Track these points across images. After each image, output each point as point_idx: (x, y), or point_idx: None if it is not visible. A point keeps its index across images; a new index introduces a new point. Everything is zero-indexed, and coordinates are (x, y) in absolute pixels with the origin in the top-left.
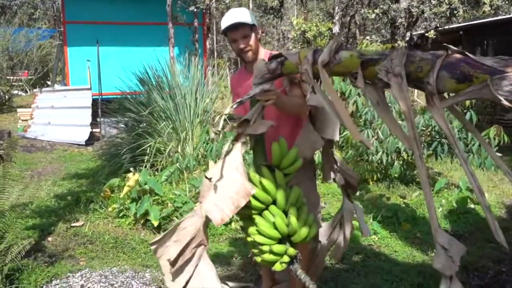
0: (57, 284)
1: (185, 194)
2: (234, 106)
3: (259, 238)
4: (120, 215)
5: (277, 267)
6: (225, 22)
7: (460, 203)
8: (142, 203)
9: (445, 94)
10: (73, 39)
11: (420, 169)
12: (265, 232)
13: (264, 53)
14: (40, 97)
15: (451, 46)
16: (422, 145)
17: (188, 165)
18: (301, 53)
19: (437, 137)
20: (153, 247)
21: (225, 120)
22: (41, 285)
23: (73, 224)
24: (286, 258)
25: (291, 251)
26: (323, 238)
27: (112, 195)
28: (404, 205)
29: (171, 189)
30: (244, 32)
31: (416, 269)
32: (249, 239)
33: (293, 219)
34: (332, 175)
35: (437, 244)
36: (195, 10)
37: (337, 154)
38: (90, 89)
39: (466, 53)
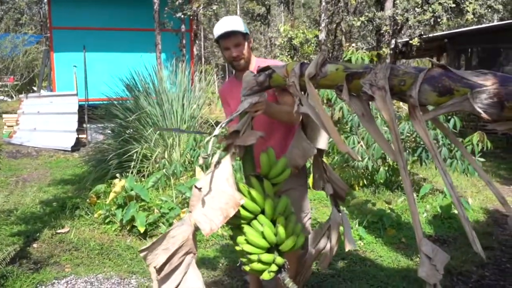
0: None
1: (172, 200)
2: (223, 125)
3: (248, 247)
4: (106, 221)
5: (265, 276)
6: (218, 30)
7: (444, 208)
8: (128, 209)
9: (428, 107)
10: (60, 44)
11: (405, 180)
12: (254, 242)
13: (255, 62)
14: (26, 103)
15: (434, 60)
16: (408, 151)
17: (175, 171)
18: (288, 66)
19: (422, 143)
20: (142, 254)
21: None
22: None
23: (59, 231)
24: (274, 267)
25: (279, 260)
26: (310, 246)
27: (98, 201)
28: (389, 211)
29: (157, 195)
30: (237, 40)
31: (401, 274)
32: (237, 248)
33: (281, 229)
34: (321, 184)
35: (422, 253)
36: (182, 16)
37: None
38: (76, 95)
39: (448, 67)
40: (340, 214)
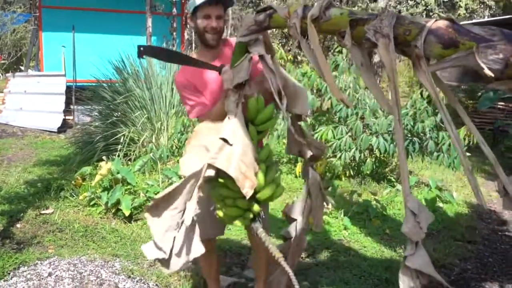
0: (25, 271)
1: (158, 185)
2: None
3: (224, 191)
4: (91, 203)
5: (239, 222)
6: None
7: (429, 201)
8: (114, 192)
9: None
10: (49, 24)
11: (398, 132)
12: (231, 185)
13: (229, 40)
14: (12, 82)
15: (442, 14)
16: (394, 143)
17: (162, 155)
18: (291, 7)
19: (409, 135)
20: (146, 215)
21: None
22: (8, 272)
23: (43, 212)
24: (249, 215)
25: (255, 208)
26: (298, 215)
27: (84, 183)
28: (375, 202)
29: (144, 179)
30: (220, 11)
31: (384, 264)
32: (213, 191)
33: (260, 176)
34: (296, 147)
35: (407, 208)
36: (174, 0)
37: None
38: (64, 75)
39: (455, 19)
40: (318, 174)
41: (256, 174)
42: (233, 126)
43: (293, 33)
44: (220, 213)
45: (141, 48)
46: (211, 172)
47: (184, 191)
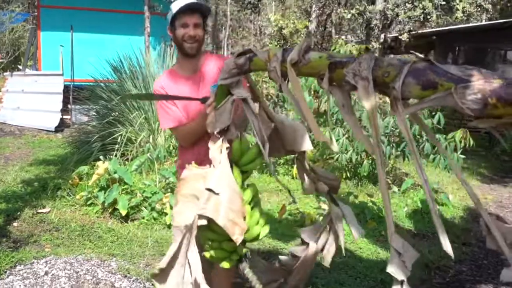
0: (21, 270)
1: (155, 185)
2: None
3: (210, 234)
4: (88, 203)
5: (225, 264)
6: (180, 2)
7: (425, 203)
8: (111, 192)
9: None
10: (47, 23)
11: (380, 174)
12: (216, 229)
13: (207, 55)
14: (10, 81)
15: (418, 54)
16: (391, 145)
17: (159, 155)
18: (271, 51)
19: (404, 138)
20: (155, 282)
21: None
22: (5, 270)
23: (40, 211)
24: (235, 256)
25: (241, 249)
26: (311, 240)
27: (81, 182)
28: (371, 204)
29: (140, 179)
30: (198, 19)
31: (379, 266)
32: (201, 234)
33: (246, 218)
34: (313, 185)
35: (392, 248)
36: (172, 0)
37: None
38: (62, 75)
39: (433, 61)
40: (339, 207)
41: (244, 218)
42: (218, 174)
43: (273, 77)
44: (206, 254)
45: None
46: (203, 222)
47: (183, 245)
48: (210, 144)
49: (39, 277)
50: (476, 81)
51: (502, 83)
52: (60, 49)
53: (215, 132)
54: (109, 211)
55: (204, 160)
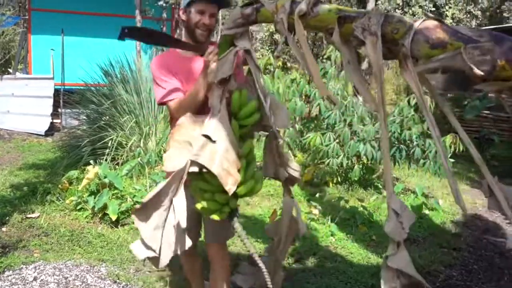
0: (10, 275)
1: (146, 189)
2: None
3: (203, 185)
4: (78, 208)
5: (216, 216)
6: None
7: (416, 208)
8: (101, 197)
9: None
10: (38, 27)
11: (383, 131)
12: (211, 180)
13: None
14: (0, 84)
15: (429, 14)
16: (382, 149)
17: (150, 160)
18: (279, 2)
19: (396, 143)
20: (134, 217)
21: None
22: None
23: (29, 215)
24: (226, 209)
25: (233, 203)
26: (275, 235)
27: (70, 187)
28: (361, 208)
29: (131, 184)
30: (214, 9)
31: (370, 271)
32: (193, 184)
33: (241, 171)
34: (273, 169)
35: (389, 208)
36: (164, 4)
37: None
38: (52, 78)
39: (442, 20)
40: (293, 199)
41: (238, 170)
42: (216, 122)
43: (280, 28)
44: (198, 206)
45: (126, 30)
46: (194, 169)
47: (170, 189)
48: (210, 93)
49: (27, 283)
50: (486, 42)
51: None
52: (50, 52)
53: (216, 82)
54: (99, 216)
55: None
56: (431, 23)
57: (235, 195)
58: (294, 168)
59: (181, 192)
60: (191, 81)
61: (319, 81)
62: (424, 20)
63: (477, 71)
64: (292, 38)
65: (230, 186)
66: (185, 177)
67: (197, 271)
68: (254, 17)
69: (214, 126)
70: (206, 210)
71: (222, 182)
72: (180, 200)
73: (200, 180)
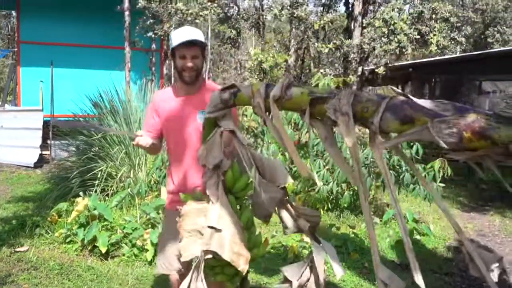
0: None
1: (136, 221)
2: None
3: (213, 261)
4: (67, 240)
5: (230, 286)
6: (179, 37)
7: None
8: (91, 229)
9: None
10: (27, 59)
11: (364, 206)
12: (219, 257)
13: (206, 83)
14: None
15: (396, 89)
16: (371, 176)
17: (140, 190)
18: (254, 87)
19: None
20: None
21: None
22: None
23: (17, 249)
24: (236, 279)
25: (241, 272)
26: (293, 278)
27: (60, 220)
28: (353, 235)
29: (121, 215)
30: (196, 51)
31: None
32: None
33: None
34: (294, 224)
35: (378, 279)
36: (153, 36)
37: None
38: (41, 110)
39: (409, 96)
40: (321, 245)
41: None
42: (218, 211)
43: (257, 111)
44: (210, 278)
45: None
46: (209, 256)
47: (192, 279)
48: (206, 179)
49: None
50: (451, 116)
51: (476, 117)
52: (40, 84)
53: (210, 168)
54: (89, 248)
55: (185, 182)
56: (399, 100)
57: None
58: (311, 214)
59: (200, 279)
60: (171, 120)
61: (297, 159)
62: (391, 98)
63: (444, 145)
64: (270, 120)
65: (243, 267)
66: (202, 265)
67: None
68: (232, 102)
69: (217, 215)
70: (219, 282)
71: (235, 265)
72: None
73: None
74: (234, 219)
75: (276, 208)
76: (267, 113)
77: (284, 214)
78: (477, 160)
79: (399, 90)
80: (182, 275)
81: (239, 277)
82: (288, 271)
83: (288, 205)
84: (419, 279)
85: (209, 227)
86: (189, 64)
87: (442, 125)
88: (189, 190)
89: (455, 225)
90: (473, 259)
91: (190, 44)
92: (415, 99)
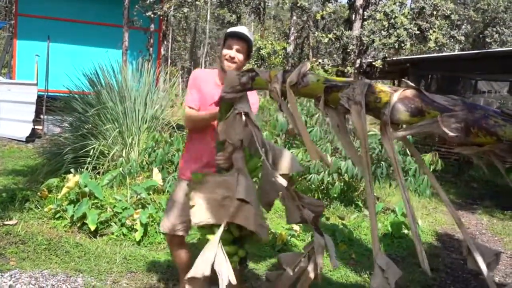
0: None
1: (126, 200)
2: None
3: (212, 237)
4: (56, 216)
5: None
6: (235, 29)
7: (395, 227)
8: (80, 206)
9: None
10: (24, 32)
11: (369, 195)
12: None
13: None
14: None
15: (409, 82)
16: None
17: (132, 170)
18: (272, 72)
19: (376, 161)
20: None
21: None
22: None
23: (6, 222)
24: (236, 258)
25: (241, 252)
26: (288, 266)
27: (50, 195)
28: (342, 226)
29: (111, 194)
30: (243, 46)
31: None
32: (201, 235)
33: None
34: (299, 214)
35: (376, 265)
36: (152, 15)
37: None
38: (36, 84)
39: (421, 89)
40: (324, 236)
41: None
42: (245, 184)
43: (274, 96)
44: (199, 244)
45: None
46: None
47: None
48: (236, 154)
49: None
50: (460, 111)
51: (484, 114)
52: (35, 58)
53: (235, 143)
54: (78, 225)
55: (201, 158)
56: (410, 92)
57: (242, 246)
58: (316, 204)
59: (219, 249)
60: (206, 102)
61: (310, 144)
62: (404, 90)
63: (453, 137)
64: (285, 105)
65: (265, 236)
66: (219, 234)
67: (185, 263)
68: (250, 85)
69: (245, 188)
70: None
71: (260, 235)
72: (220, 255)
73: (210, 233)
74: (255, 192)
75: (282, 197)
76: (283, 98)
77: (289, 203)
78: (481, 155)
79: (411, 83)
80: (181, 237)
81: (237, 257)
82: (284, 259)
83: (294, 194)
84: (425, 264)
85: (238, 199)
86: (232, 54)
87: (451, 119)
88: (203, 164)
89: (456, 217)
90: (472, 253)
91: (240, 37)
92: (426, 93)
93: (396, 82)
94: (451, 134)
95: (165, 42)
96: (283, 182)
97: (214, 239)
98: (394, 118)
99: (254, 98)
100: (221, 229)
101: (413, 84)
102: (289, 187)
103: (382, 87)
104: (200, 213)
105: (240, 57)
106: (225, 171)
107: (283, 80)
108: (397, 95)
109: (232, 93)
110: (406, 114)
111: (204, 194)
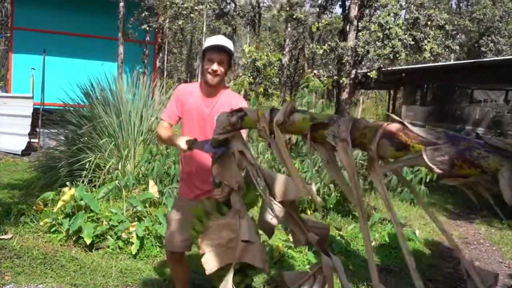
0: None
1: (122, 213)
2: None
3: (222, 271)
4: (52, 230)
5: None
6: (212, 41)
7: (393, 238)
8: (76, 219)
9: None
10: (20, 45)
11: (363, 229)
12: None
13: (226, 91)
14: None
15: (393, 116)
16: (360, 178)
17: (128, 183)
18: (259, 111)
19: None
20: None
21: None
22: None
23: (1, 237)
24: (242, 286)
25: (248, 280)
26: (292, 285)
27: (45, 209)
28: (339, 237)
29: (107, 207)
30: (223, 57)
31: None
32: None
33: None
34: (303, 237)
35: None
36: (147, 28)
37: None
38: (32, 97)
39: (405, 123)
40: (331, 258)
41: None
42: (247, 225)
43: (262, 135)
44: (217, 285)
45: None
46: (236, 266)
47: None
48: (233, 196)
49: None
50: (444, 144)
51: (467, 146)
52: (31, 71)
53: (233, 187)
54: (73, 239)
55: (191, 172)
56: (394, 126)
57: (246, 274)
58: (321, 227)
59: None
60: (191, 114)
61: (298, 179)
62: (388, 124)
63: (438, 171)
64: (274, 143)
65: (266, 268)
66: (231, 274)
67: (183, 279)
68: (239, 125)
69: (247, 229)
70: None
71: (264, 270)
72: None
73: (221, 272)
74: (256, 230)
75: (286, 223)
76: (272, 136)
77: (294, 228)
78: (468, 186)
79: (396, 117)
80: (180, 253)
81: (244, 284)
82: (289, 276)
83: (298, 219)
84: (420, 284)
85: (243, 241)
86: (214, 67)
87: (435, 153)
88: (198, 179)
89: (451, 242)
90: (471, 276)
91: (220, 49)
92: (410, 126)
93: (391, 92)
94: (436, 169)
95: (160, 54)
96: (282, 209)
97: (228, 281)
98: (380, 154)
99: (243, 104)
100: (232, 270)
101: (397, 118)
102: (292, 212)
103: (367, 122)
104: (211, 261)
105: (222, 69)
106: (223, 204)
107: (270, 119)
108: (381, 131)
109: (223, 134)
110: (391, 149)
111: (211, 242)
